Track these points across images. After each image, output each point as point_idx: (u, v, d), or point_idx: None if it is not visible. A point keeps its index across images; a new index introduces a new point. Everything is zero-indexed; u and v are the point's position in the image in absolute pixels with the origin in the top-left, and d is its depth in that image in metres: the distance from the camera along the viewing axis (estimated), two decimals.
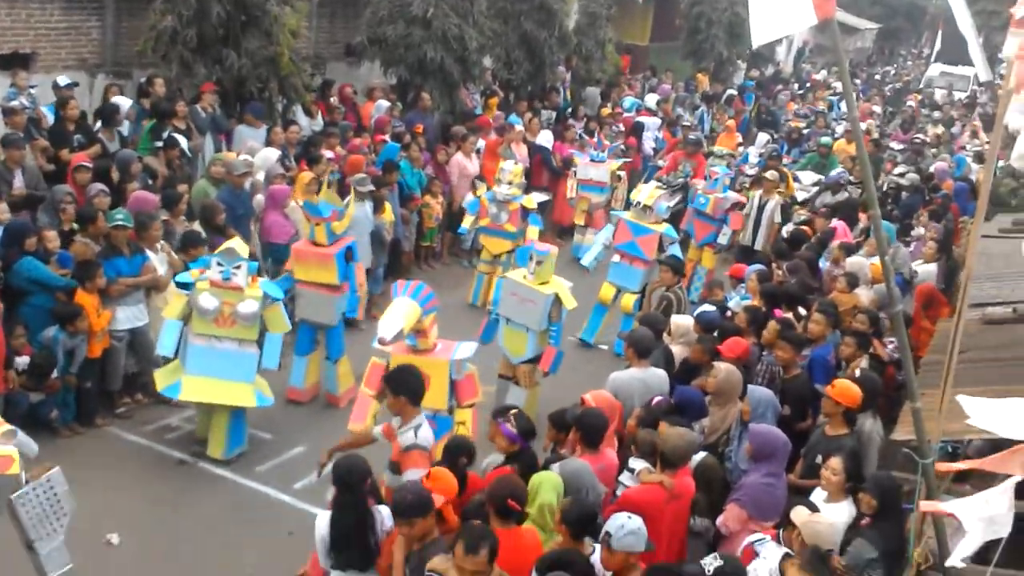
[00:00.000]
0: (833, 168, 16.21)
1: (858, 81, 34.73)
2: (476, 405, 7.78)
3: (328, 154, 12.13)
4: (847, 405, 6.90)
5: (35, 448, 5.41)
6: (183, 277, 8.28)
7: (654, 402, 7.05)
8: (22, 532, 5.02)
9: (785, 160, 18.19)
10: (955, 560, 4.42)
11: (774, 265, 10.81)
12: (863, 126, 19.41)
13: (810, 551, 5.25)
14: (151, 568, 6.97)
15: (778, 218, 13.62)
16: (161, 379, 8.29)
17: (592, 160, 15.09)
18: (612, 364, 9.60)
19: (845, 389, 6.95)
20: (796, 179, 16.12)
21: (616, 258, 11.55)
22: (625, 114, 19.34)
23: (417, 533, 5.06)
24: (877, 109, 27.45)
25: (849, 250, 11.22)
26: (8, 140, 9.57)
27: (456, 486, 5.53)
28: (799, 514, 5.56)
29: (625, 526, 5.04)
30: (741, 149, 18.49)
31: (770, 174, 14.09)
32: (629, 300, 11.36)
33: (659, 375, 7.71)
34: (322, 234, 9.22)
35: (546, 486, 5.61)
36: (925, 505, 4.90)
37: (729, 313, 9.22)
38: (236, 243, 8.44)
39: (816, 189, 15.54)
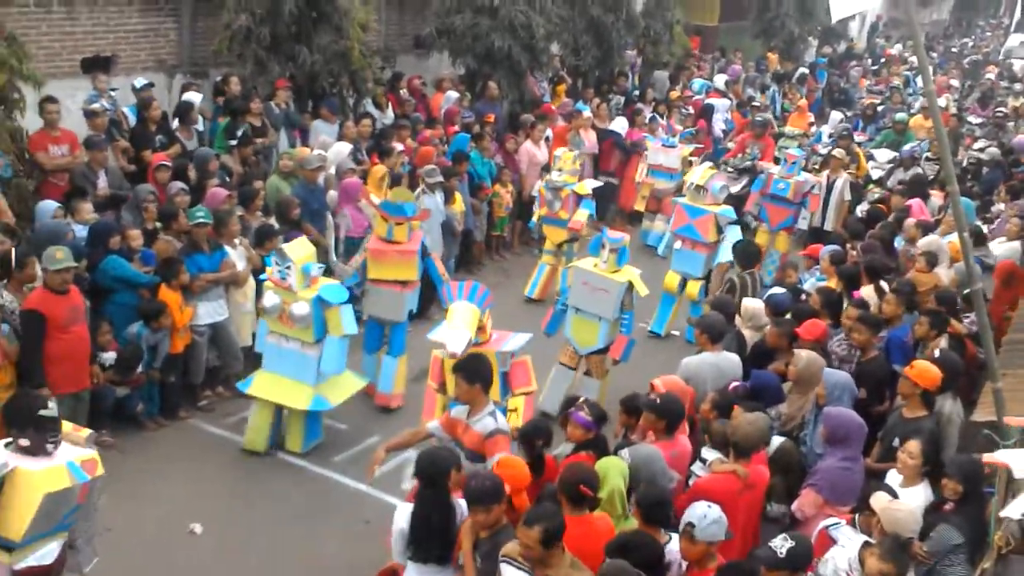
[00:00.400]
0: (909, 144, 15.84)
1: (934, 54, 33.75)
2: (530, 394, 7.66)
3: (399, 147, 12.26)
4: (925, 387, 6.79)
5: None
6: (264, 275, 8.48)
7: (731, 387, 7.02)
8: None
9: (860, 138, 17.83)
10: (1012, 512, 4.34)
11: (848, 245, 10.63)
12: (941, 101, 18.90)
13: (890, 539, 5.20)
14: (233, 557, 7.15)
15: (847, 196, 13.40)
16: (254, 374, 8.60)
17: (663, 145, 14.90)
18: (684, 351, 9.51)
19: (924, 370, 6.83)
20: (871, 157, 15.80)
21: (677, 244, 11.46)
22: (695, 97, 19.10)
23: (489, 520, 5.10)
24: (955, 83, 26.69)
25: (926, 229, 11.00)
26: (91, 142, 9.84)
27: (527, 474, 5.56)
28: (879, 500, 5.50)
29: (708, 516, 5.03)
30: (813, 129, 18.19)
31: (837, 152, 13.90)
32: (694, 287, 11.28)
33: (732, 360, 7.65)
34: (403, 233, 9.23)
35: (613, 472, 5.61)
36: (986, 457, 4.81)
37: (804, 296, 9.11)
38: (297, 243, 8.46)
39: (890, 167, 15.24)
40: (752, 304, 8.77)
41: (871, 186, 14.56)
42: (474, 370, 6.17)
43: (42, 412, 4.94)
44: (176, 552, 7.18)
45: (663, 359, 9.95)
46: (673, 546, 5.30)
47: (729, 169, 14.96)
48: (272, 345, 8.38)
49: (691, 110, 17.93)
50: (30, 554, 4.94)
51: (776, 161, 13.73)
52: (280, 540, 7.38)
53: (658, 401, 6.28)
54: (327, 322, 8.21)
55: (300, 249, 8.31)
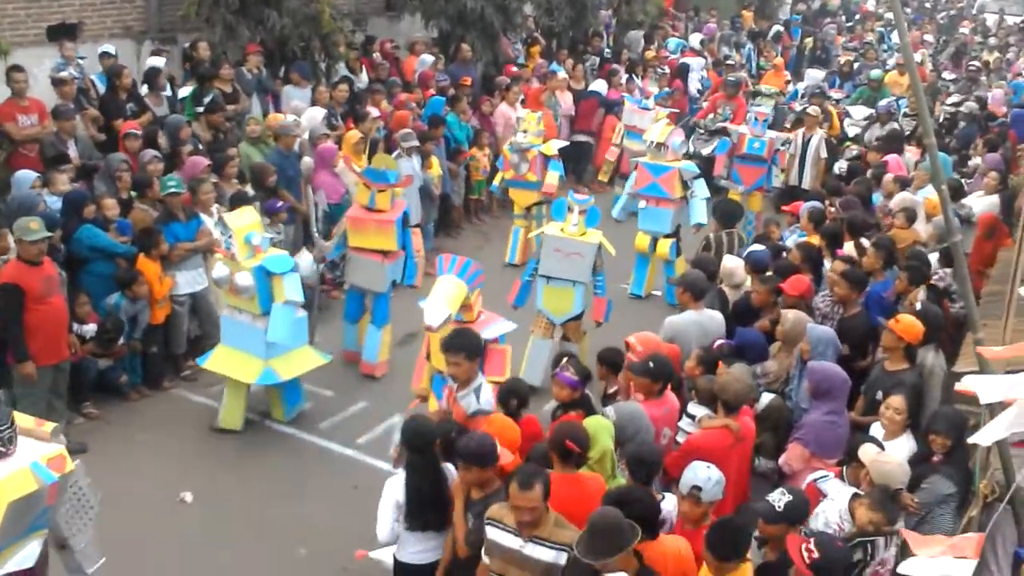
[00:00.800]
0: (884, 100, 15.82)
1: (908, 10, 33.74)
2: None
3: (374, 112, 12.14)
4: (909, 340, 6.80)
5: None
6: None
7: (715, 345, 7.04)
8: (53, 533, 5.00)
9: (837, 95, 17.73)
10: (981, 439, 4.38)
11: (827, 202, 10.65)
12: (916, 56, 18.90)
13: (879, 490, 5.27)
14: (223, 524, 7.15)
15: (823, 154, 13.43)
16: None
17: (638, 107, 14.71)
18: (664, 311, 9.53)
19: (909, 324, 6.83)
20: (847, 115, 15.77)
21: (642, 204, 11.25)
22: (670, 56, 19.02)
23: (481, 479, 5.11)
24: (929, 38, 26.72)
25: (903, 184, 11.04)
26: (59, 111, 9.70)
27: (518, 434, 5.57)
28: (866, 452, 5.55)
29: (711, 477, 5.07)
30: (790, 87, 18.13)
31: (812, 110, 13.85)
32: (664, 245, 11.15)
33: (716, 318, 7.68)
34: (385, 200, 9.08)
35: (602, 432, 5.62)
36: (958, 386, 4.86)
37: (784, 252, 9.12)
38: (239, 212, 8.25)
39: (867, 123, 15.23)
40: (731, 262, 8.75)
41: (848, 143, 14.51)
42: (456, 341, 6.13)
43: None
44: (166, 521, 7.17)
45: (643, 319, 9.88)
46: (666, 504, 5.33)
47: (700, 131, 14.89)
48: (226, 318, 8.27)
49: (667, 70, 17.83)
50: (8, 559, 4.65)
51: (752, 121, 13.62)
52: (269, 507, 7.37)
53: (651, 365, 6.27)
54: (272, 291, 7.97)
55: (242, 218, 8.09)
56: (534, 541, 4.69)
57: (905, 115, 15.24)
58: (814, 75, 18.56)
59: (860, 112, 15.85)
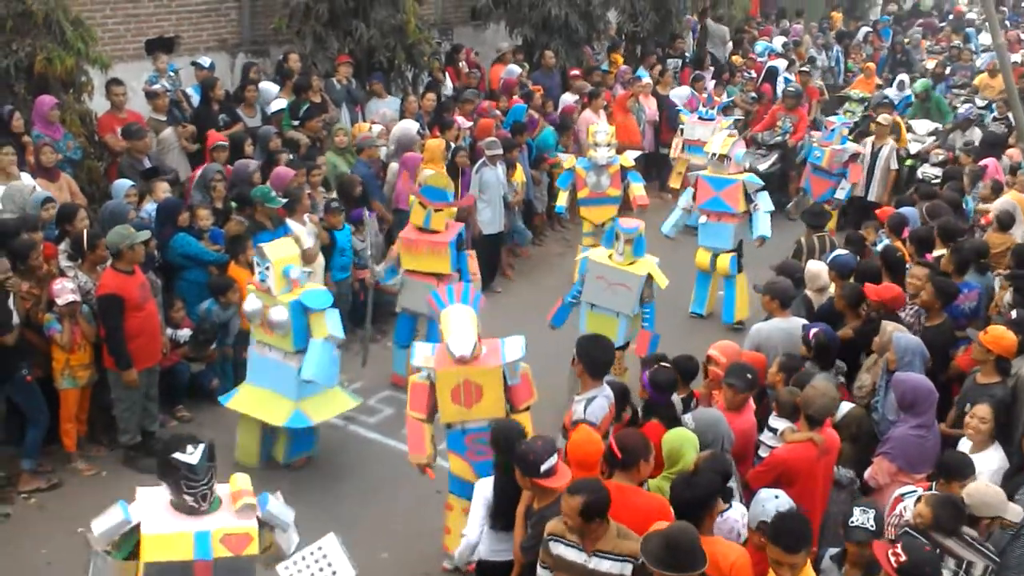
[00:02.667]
0: (940, 110, 15.11)
1: (1004, 8, 32.67)
2: (531, 407, 6.71)
3: (461, 120, 12.24)
4: (999, 353, 6.61)
5: (290, 516, 4.74)
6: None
7: (812, 333, 6.92)
8: None
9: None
10: None
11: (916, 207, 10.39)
12: (1015, 57, 18.17)
13: (944, 495, 5.19)
14: (306, 525, 7.18)
15: (894, 164, 12.77)
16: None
17: (700, 118, 13.71)
18: (721, 333, 9.23)
19: (999, 336, 6.64)
20: (910, 129, 14.68)
21: (703, 219, 10.74)
22: (757, 59, 18.77)
23: (526, 485, 5.15)
24: None
25: (998, 189, 10.73)
26: (130, 131, 9.70)
27: (599, 450, 5.32)
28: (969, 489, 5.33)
29: (780, 509, 4.98)
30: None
31: (883, 118, 13.02)
32: (724, 260, 10.65)
33: (801, 325, 7.50)
34: (441, 221, 8.79)
35: (687, 447, 5.49)
36: None
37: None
38: (279, 242, 7.86)
39: (932, 138, 14.35)
40: (815, 266, 8.63)
41: (908, 160, 13.63)
42: (582, 348, 6.29)
43: (176, 455, 4.18)
44: None
45: (701, 339, 9.22)
46: (733, 513, 5.28)
47: (758, 144, 14.25)
48: (255, 354, 7.86)
49: (753, 74, 17.59)
50: None
51: (822, 129, 13.06)
52: (352, 509, 7.49)
53: (749, 377, 6.23)
54: (310, 327, 7.53)
55: (282, 249, 7.69)
56: (599, 555, 4.66)
57: (995, 119, 14.68)
58: (903, 79, 17.57)
59: (924, 126, 14.85)
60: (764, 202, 10.68)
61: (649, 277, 8.40)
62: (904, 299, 7.81)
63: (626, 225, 8.53)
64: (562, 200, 11.76)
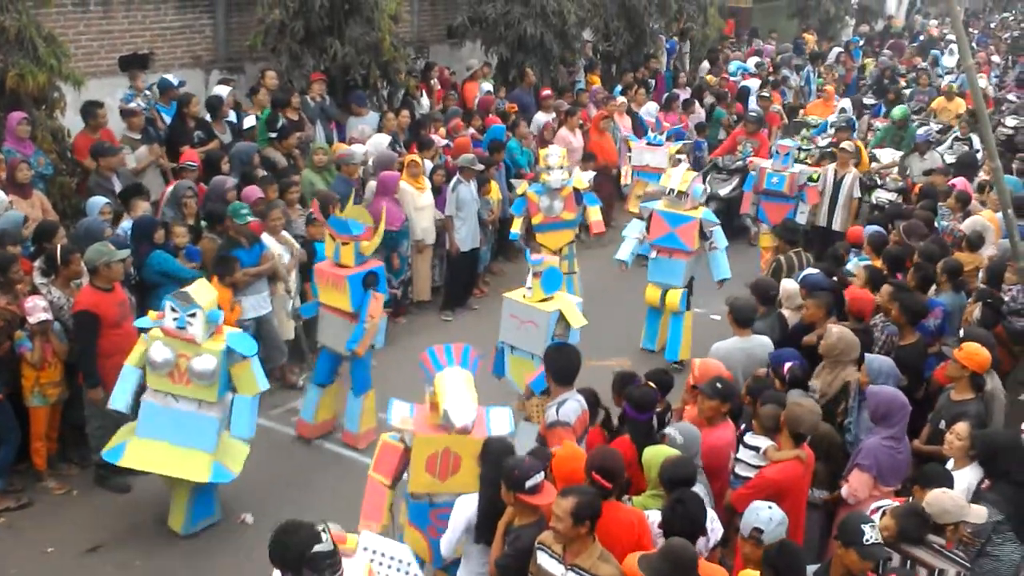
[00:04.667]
0: (912, 138, 14.71)
1: (974, 31, 33.20)
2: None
3: (438, 139, 12.27)
4: (973, 369, 6.67)
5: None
6: (142, 321, 7.27)
7: (786, 368, 6.85)
8: None
9: (881, 124, 16.67)
10: None
11: (890, 227, 10.48)
12: (983, 81, 18.34)
13: (908, 504, 5.29)
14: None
15: (857, 193, 12.46)
16: (115, 439, 7.26)
17: (648, 143, 13.44)
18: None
19: (974, 352, 6.70)
20: (872, 158, 14.28)
21: (653, 254, 10.24)
22: (730, 79, 18.95)
23: (509, 501, 5.11)
24: (996, 59, 26.12)
25: (964, 202, 10.87)
26: (100, 149, 9.60)
27: (581, 467, 5.33)
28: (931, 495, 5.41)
29: (774, 518, 4.98)
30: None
31: (846, 144, 12.65)
32: (674, 296, 10.18)
33: (763, 343, 7.54)
34: (349, 255, 8.21)
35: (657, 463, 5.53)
36: None
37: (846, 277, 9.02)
38: (200, 284, 7.27)
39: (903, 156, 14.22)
40: (790, 285, 8.67)
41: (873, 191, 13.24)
42: (551, 356, 6.41)
43: (317, 548, 4.14)
44: (230, 542, 7.31)
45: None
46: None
47: (719, 169, 14.17)
48: (154, 406, 7.06)
49: (728, 93, 17.71)
50: None
51: (774, 155, 12.72)
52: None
53: (718, 386, 6.24)
54: (234, 378, 7.10)
55: (207, 293, 7.13)
56: (575, 570, 4.67)
57: (957, 139, 14.70)
58: (846, 104, 17.20)
59: (888, 155, 14.47)
60: (720, 240, 10.23)
61: (561, 315, 7.51)
62: (872, 307, 7.89)
63: (532, 258, 7.89)
64: (516, 227, 11.30)
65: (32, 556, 6.99)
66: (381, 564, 4.85)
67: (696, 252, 10.20)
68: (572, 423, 6.12)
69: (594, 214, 11.19)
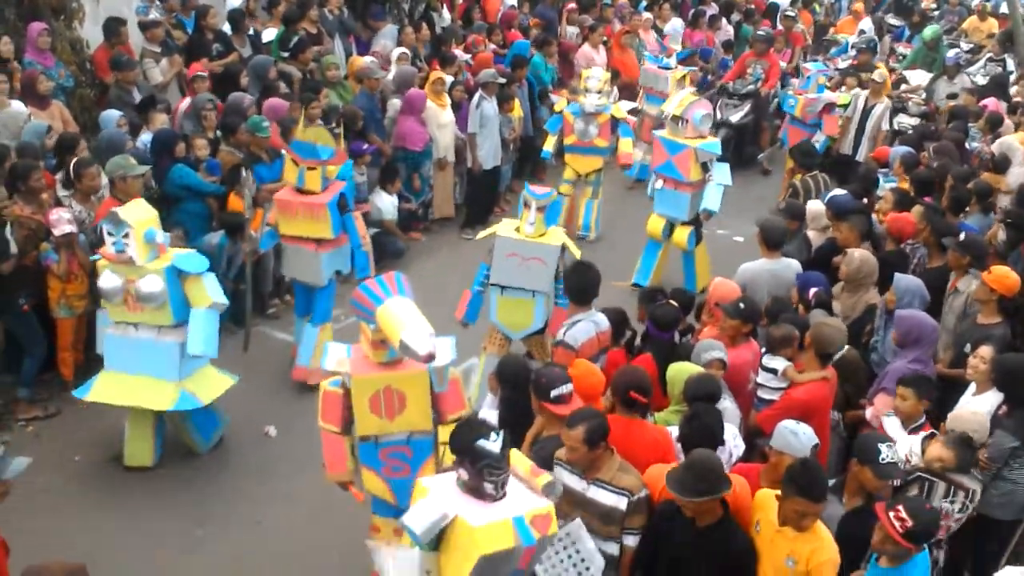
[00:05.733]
0: (943, 60, 14.07)
1: None
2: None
3: (461, 54, 12.06)
4: (1003, 292, 6.59)
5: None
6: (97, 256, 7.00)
7: (811, 293, 6.83)
8: None
9: (905, 49, 16.15)
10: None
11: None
12: None
13: (960, 434, 5.30)
14: (305, 458, 7.10)
15: (885, 125, 11.95)
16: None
17: (659, 67, 12.74)
18: None
19: (1003, 276, 6.63)
20: (903, 80, 13.98)
21: (659, 184, 9.69)
22: None
23: (538, 410, 5.17)
24: None
25: (994, 124, 10.66)
26: (119, 61, 9.49)
27: (600, 381, 5.46)
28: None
29: (800, 434, 4.90)
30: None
31: (878, 74, 12.10)
32: (682, 234, 9.68)
33: (791, 265, 7.48)
34: (315, 180, 7.78)
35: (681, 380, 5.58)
36: None
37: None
38: (134, 204, 6.95)
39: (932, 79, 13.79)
40: (815, 206, 8.60)
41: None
42: (568, 274, 6.55)
43: (480, 443, 4.04)
44: (256, 454, 7.46)
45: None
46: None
47: (729, 95, 13.51)
48: (117, 338, 6.95)
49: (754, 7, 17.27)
50: None
51: (798, 76, 12.45)
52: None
53: (741, 306, 6.21)
54: (188, 295, 6.84)
55: (139, 211, 6.81)
56: (597, 484, 4.71)
57: (991, 60, 14.30)
58: (866, 25, 16.26)
59: (918, 78, 14.00)
60: (720, 174, 9.51)
61: (563, 247, 7.36)
62: (913, 230, 7.78)
63: (537, 191, 7.37)
64: (549, 144, 11.12)
65: (59, 464, 7.12)
66: (558, 553, 4.61)
67: (698, 185, 9.53)
68: (576, 346, 6.12)
69: (625, 145, 10.86)
